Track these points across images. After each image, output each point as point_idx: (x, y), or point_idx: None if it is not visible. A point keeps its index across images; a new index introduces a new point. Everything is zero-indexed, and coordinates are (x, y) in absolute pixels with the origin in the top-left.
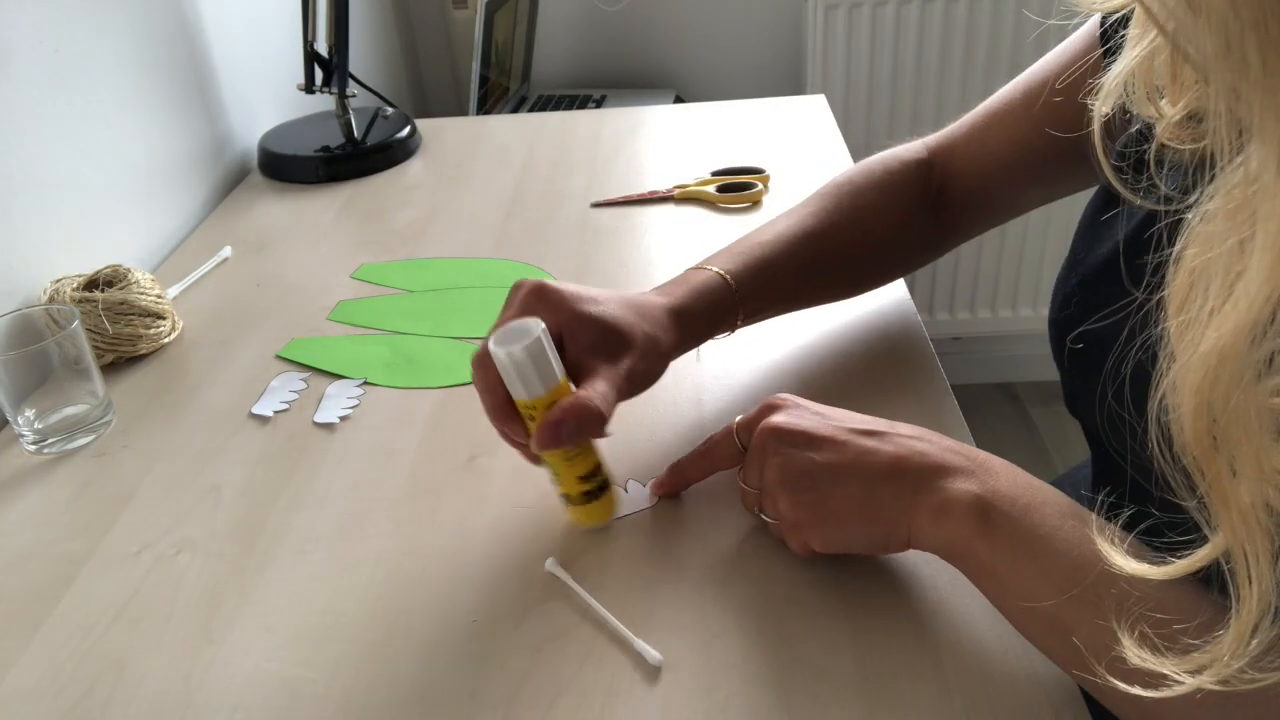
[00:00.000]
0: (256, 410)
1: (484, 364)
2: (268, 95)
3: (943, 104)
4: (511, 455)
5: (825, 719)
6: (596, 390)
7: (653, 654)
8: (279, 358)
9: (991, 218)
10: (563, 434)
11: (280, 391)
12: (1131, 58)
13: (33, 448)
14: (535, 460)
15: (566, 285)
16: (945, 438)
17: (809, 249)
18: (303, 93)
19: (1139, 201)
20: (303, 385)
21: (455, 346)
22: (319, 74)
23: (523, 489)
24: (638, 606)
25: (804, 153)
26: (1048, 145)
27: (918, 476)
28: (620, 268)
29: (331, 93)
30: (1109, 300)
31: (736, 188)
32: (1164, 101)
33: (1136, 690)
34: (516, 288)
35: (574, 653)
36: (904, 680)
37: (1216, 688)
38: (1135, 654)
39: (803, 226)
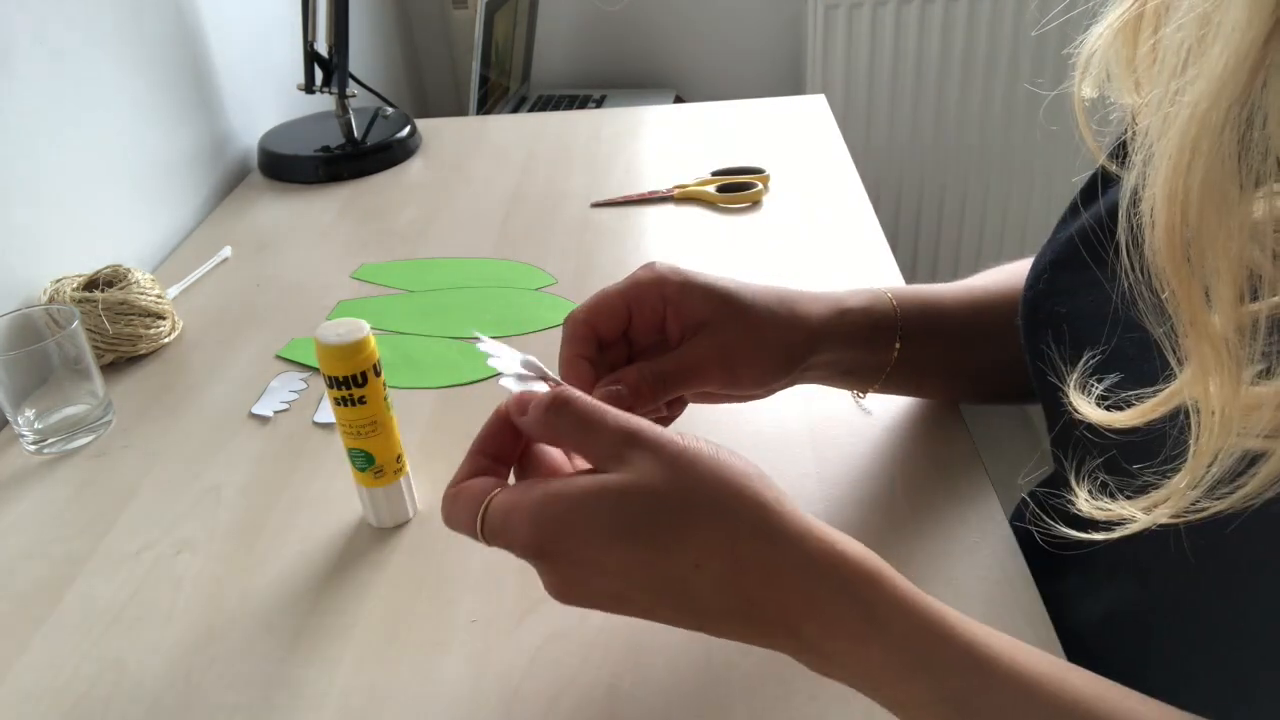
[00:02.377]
0: (256, 410)
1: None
2: (268, 95)
3: (943, 104)
4: None
5: (825, 719)
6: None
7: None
8: (279, 358)
9: None
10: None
11: (280, 391)
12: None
13: (33, 448)
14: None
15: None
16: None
17: (978, 294)
18: (303, 93)
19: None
20: (303, 385)
21: (455, 346)
22: (319, 74)
23: None
24: None
25: (804, 153)
26: None
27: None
28: (620, 268)
29: (331, 93)
30: (1076, 278)
31: (736, 188)
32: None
33: (1092, 535)
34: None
35: (574, 653)
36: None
37: (1171, 522)
38: (1090, 505)
39: (971, 281)
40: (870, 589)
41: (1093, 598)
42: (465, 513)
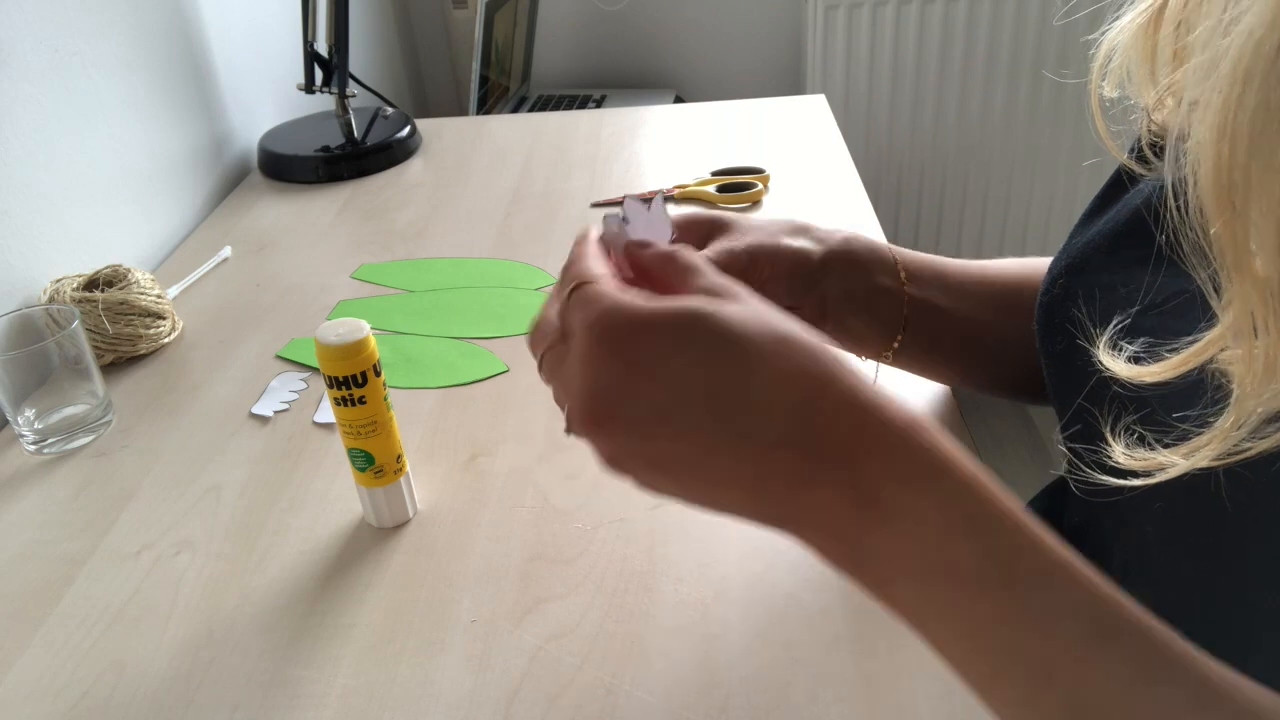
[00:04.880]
0: (256, 410)
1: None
2: (268, 95)
3: (943, 104)
4: (511, 455)
5: (825, 719)
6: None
7: None
8: (279, 358)
9: None
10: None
11: (280, 391)
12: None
13: (33, 448)
14: None
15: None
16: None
17: (988, 267)
18: (303, 93)
19: (1138, 168)
20: (303, 385)
21: (455, 346)
22: (319, 74)
23: (523, 489)
24: (636, 606)
25: (804, 153)
26: None
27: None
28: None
29: (331, 93)
30: (1092, 284)
31: (736, 188)
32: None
33: (1125, 482)
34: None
35: (574, 653)
36: (904, 680)
37: (1214, 464)
38: (1127, 456)
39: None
40: (932, 437)
41: None
42: (570, 275)
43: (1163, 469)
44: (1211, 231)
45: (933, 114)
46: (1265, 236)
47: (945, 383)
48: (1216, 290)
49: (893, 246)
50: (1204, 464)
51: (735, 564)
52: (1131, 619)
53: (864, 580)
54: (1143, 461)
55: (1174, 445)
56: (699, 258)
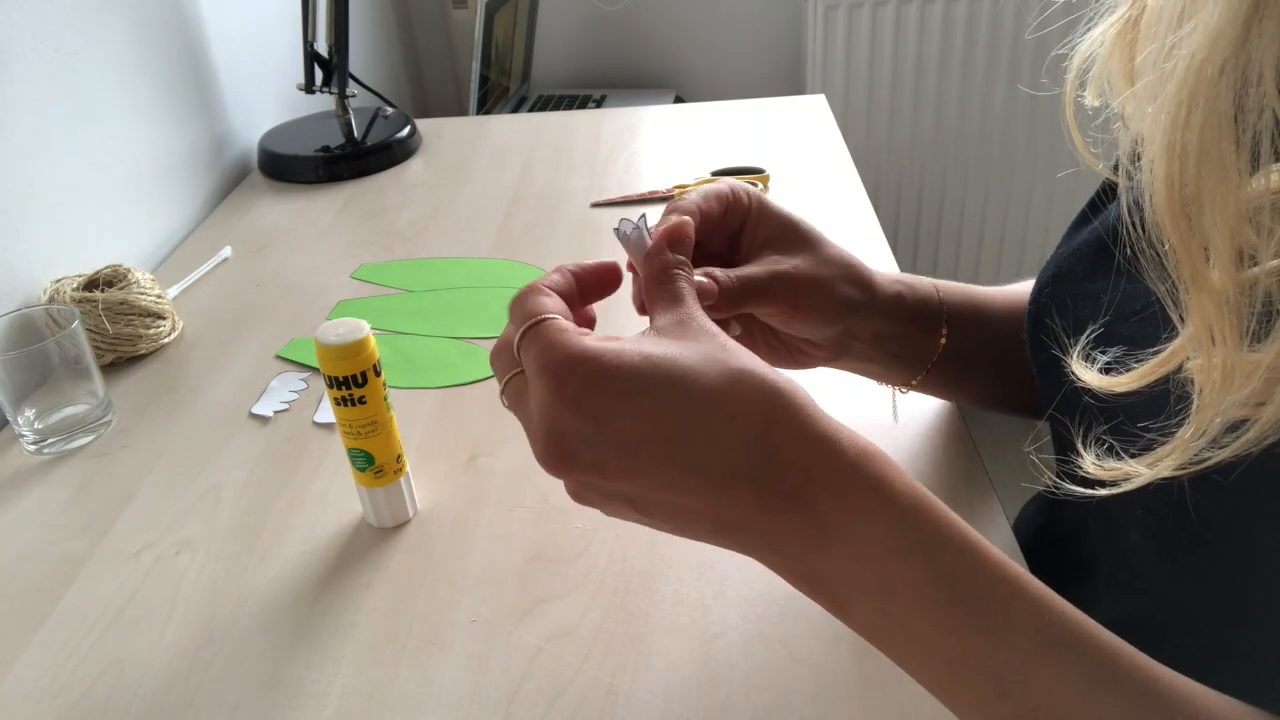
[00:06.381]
0: (256, 410)
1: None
2: (268, 95)
3: (943, 104)
4: (511, 455)
5: (825, 719)
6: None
7: None
8: (279, 358)
9: None
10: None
11: (280, 391)
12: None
13: (33, 448)
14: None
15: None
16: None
17: (1017, 297)
18: (303, 93)
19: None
20: (303, 385)
21: (455, 346)
22: (319, 74)
23: (523, 489)
24: (636, 606)
25: (804, 153)
26: None
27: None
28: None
29: (331, 93)
30: (1075, 293)
31: None
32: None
33: (1094, 492)
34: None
35: (574, 653)
36: (904, 680)
37: (1175, 474)
38: (1096, 466)
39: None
40: (880, 466)
41: (1095, 607)
42: (522, 311)
43: (1129, 478)
44: (1166, 246)
45: (933, 114)
46: (1219, 252)
47: (953, 402)
48: (1175, 303)
49: (944, 291)
50: (1167, 473)
51: (735, 564)
52: (1081, 631)
53: (822, 599)
54: (1110, 471)
55: (1140, 455)
56: (687, 289)
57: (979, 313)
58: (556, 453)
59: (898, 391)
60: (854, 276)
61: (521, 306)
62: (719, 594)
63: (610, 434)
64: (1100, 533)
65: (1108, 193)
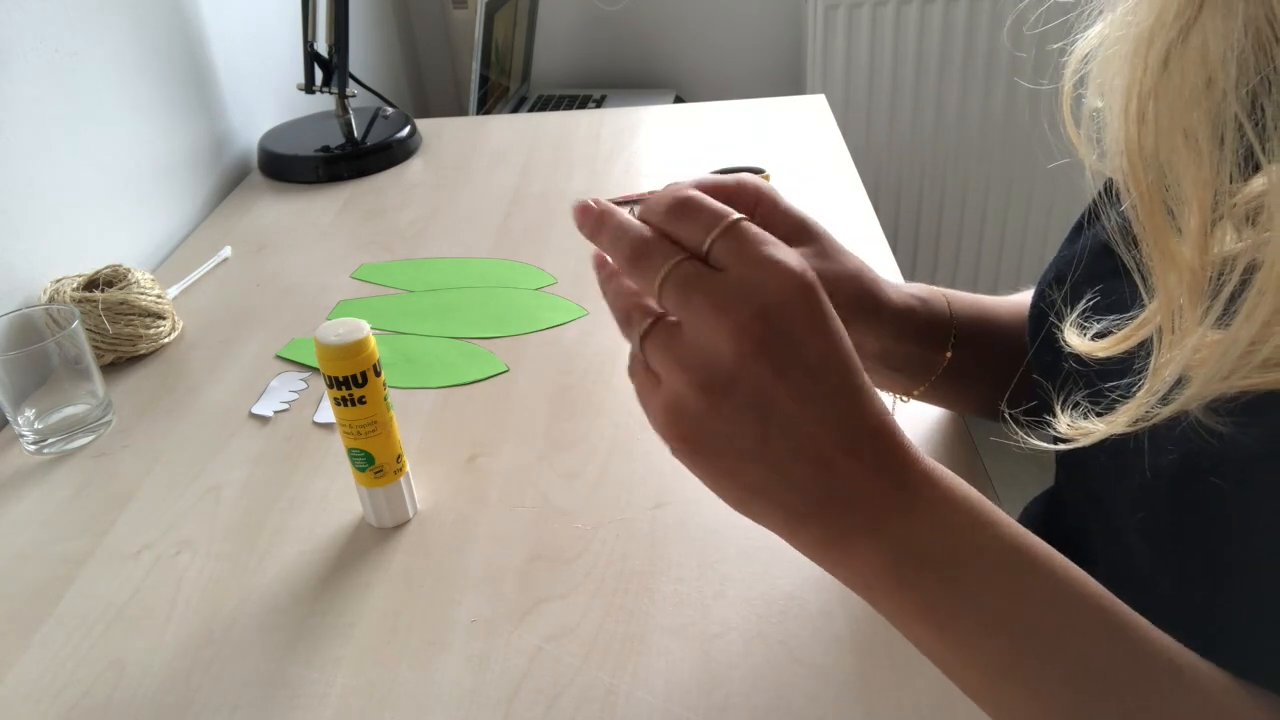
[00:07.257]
0: (256, 410)
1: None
2: (268, 95)
3: (943, 104)
4: (511, 455)
5: (825, 719)
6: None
7: None
8: (279, 358)
9: None
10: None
11: (280, 391)
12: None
13: (33, 448)
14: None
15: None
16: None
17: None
18: (303, 93)
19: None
20: (303, 385)
21: (455, 346)
22: (319, 74)
23: (523, 489)
24: (636, 606)
25: (804, 153)
26: None
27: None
28: None
29: (331, 93)
30: (1075, 298)
31: None
32: None
33: (1054, 447)
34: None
35: (574, 653)
36: (904, 680)
37: (1130, 429)
38: (1068, 427)
39: (1021, 296)
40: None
41: None
42: (711, 210)
43: (1088, 434)
44: (1131, 209)
45: (933, 114)
46: (1186, 222)
47: (952, 411)
48: (1142, 271)
49: (955, 305)
50: (1120, 429)
51: (735, 564)
52: (1129, 613)
53: (881, 574)
54: (1076, 429)
55: (1105, 414)
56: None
57: (987, 326)
58: (681, 430)
59: (897, 400)
60: (863, 284)
61: (702, 204)
62: (719, 594)
63: (731, 430)
64: (1101, 534)
65: (1096, 207)
